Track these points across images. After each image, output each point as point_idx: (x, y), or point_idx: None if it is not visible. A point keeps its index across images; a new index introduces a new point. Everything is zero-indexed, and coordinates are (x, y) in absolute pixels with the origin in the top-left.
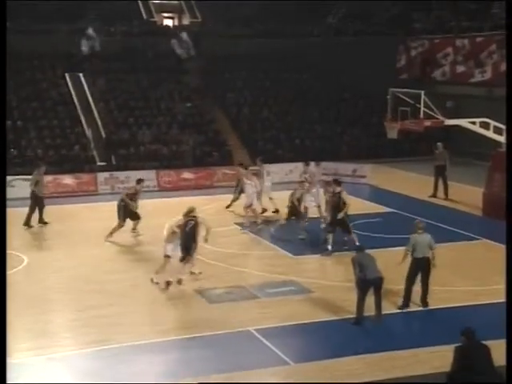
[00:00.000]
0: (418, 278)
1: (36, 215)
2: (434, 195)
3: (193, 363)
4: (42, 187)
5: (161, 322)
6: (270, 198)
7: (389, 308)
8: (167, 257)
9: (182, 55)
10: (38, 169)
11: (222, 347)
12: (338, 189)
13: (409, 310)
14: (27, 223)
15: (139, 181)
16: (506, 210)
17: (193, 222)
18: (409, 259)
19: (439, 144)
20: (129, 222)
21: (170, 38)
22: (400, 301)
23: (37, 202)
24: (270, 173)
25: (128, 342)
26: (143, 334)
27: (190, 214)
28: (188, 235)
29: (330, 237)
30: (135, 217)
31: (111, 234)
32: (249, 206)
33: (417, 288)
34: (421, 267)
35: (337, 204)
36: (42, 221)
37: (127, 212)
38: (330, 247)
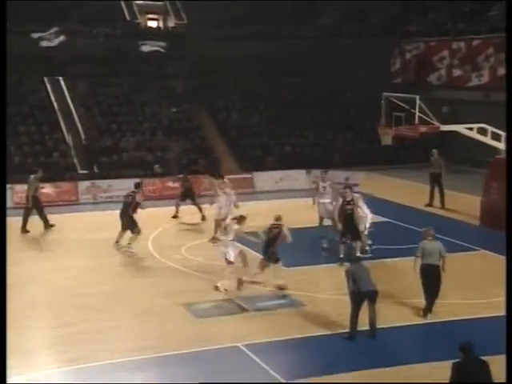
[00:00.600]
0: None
1: (31, 219)
2: (430, 204)
3: (178, 381)
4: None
5: (144, 338)
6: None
7: (384, 322)
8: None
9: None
10: (35, 174)
11: (209, 364)
12: (350, 196)
13: (404, 323)
14: (46, 225)
15: (137, 185)
16: (506, 219)
17: (277, 230)
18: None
19: (434, 151)
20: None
21: (154, 40)
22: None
23: (39, 206)
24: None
25: (110, 359)
26: (126, 350)
27: (276, 221)
28: (269, 241)
29: (342, 246)
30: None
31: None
32: (224, 219)
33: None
34: (428, 274)
35: (351, 211)
36: (24, 229)
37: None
38: (342, 255)
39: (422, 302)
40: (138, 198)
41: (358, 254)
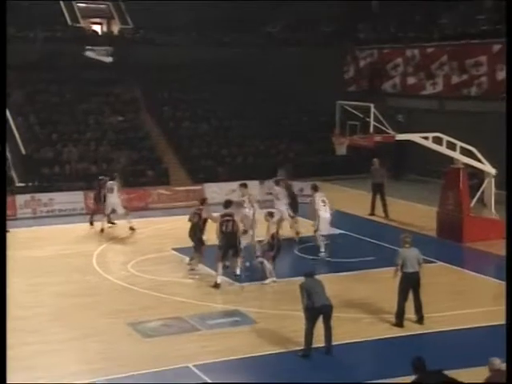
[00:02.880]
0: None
1: None
2: (372, 213)
3: None
4: None
5: (89, 361)
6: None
7: (340, 338)
8: None
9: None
10: None
11: None
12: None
13: (361, 339)
14: None
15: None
16: (506, 228)
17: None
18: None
19: (375, 160)
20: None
21: (97, 45)
22: (393, 319)
23: None
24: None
25: None
26: (70, 374)
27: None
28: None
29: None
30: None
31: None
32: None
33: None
34: (412, 282)
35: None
36: None
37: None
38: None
39: (381, 316)
40: (205, 214)
41: (238, 272)
